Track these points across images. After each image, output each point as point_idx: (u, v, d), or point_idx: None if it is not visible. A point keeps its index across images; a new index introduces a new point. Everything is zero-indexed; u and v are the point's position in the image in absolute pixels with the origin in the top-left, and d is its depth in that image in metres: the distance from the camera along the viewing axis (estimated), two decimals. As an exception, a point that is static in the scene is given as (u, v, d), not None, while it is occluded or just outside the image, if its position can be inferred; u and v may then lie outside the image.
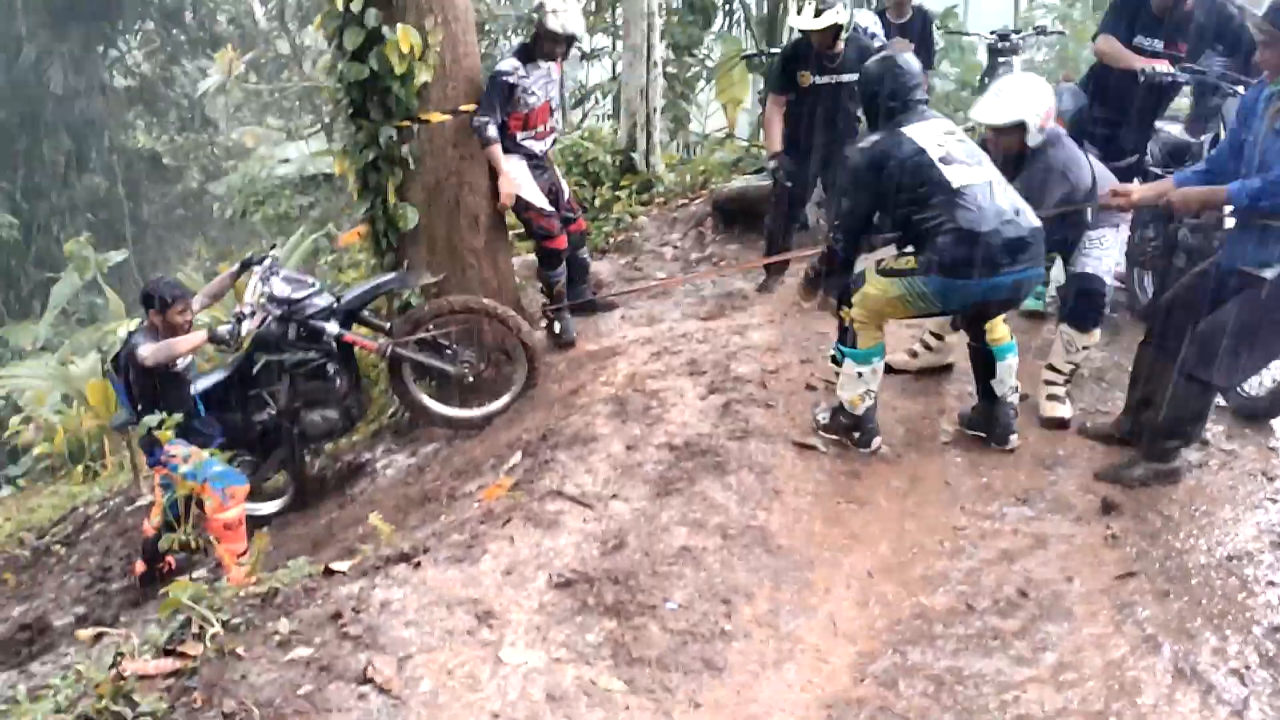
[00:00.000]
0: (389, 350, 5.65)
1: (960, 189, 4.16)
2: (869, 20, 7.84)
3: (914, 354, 5.35)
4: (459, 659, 3.14)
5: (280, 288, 5.47)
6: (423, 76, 5.68)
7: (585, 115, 14.68)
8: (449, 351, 5.78)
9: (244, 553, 5.04)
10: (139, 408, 5.32)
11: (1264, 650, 3.28)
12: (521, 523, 3.96)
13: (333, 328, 5.56)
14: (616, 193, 8.74)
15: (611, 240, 8.25)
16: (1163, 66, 5.28)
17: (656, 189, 8.97)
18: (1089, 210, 4.73)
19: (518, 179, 6.08)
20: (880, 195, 4.36)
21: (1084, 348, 4.88)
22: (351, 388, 5.84)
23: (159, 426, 4.75)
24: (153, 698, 2.97)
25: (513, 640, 3.25)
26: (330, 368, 5.67)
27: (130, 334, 5.39)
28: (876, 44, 7.64)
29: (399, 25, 5.53)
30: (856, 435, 4.57)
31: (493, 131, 5.88)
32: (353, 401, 5.86)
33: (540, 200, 6.16)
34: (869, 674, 3.21)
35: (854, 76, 6.03)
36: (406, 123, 5.77)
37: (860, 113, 6.16)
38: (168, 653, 3.28)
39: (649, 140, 9.02)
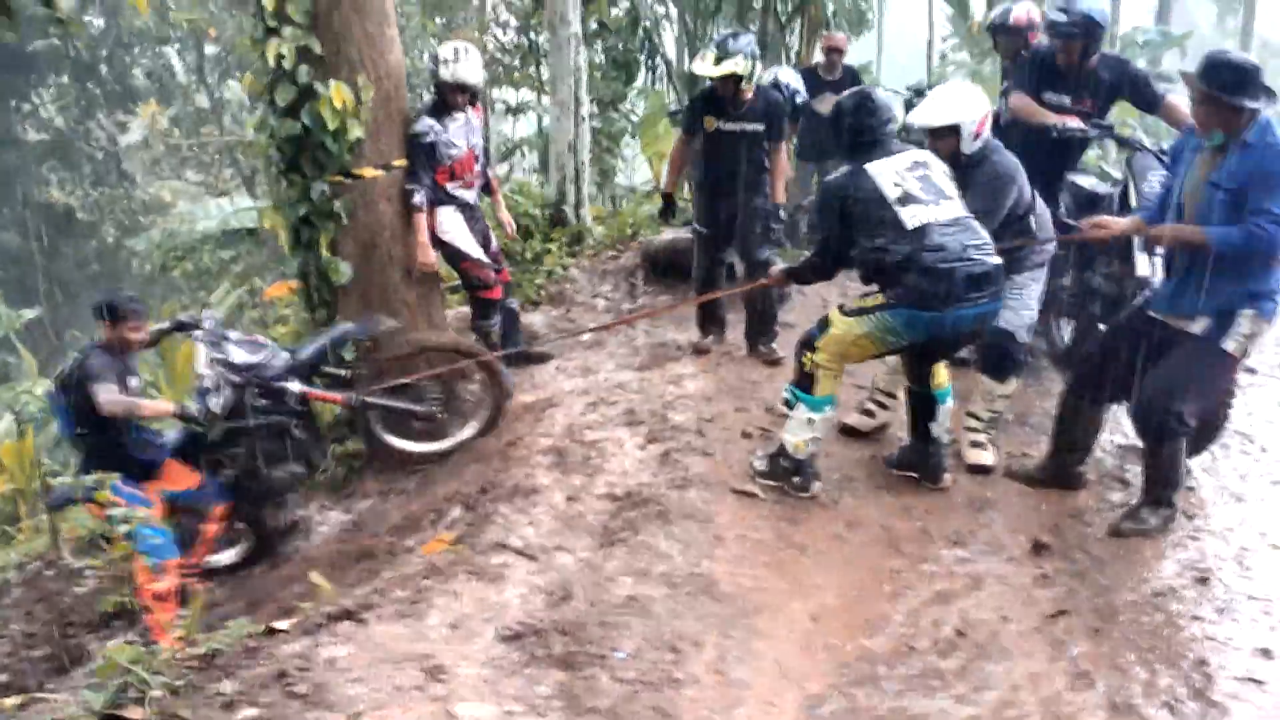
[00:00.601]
0: (358, 400, 5.57)
1: (916, 230, 4.27)
2: (790, 77, 8.08)
3: (869, 413, 5.39)
4: (410, 715, 3.12)
5: (237, 354, 5.26)
6: (355, 132, 5.70)
7: (511, 169, 14.78)
8: (411, 391, 5.72)
9: (173, 619, 4.88)
10: (78, 430, 5.10)
11: (1192, 682, 3.40)
12: (466, 577, 3.96)
13: (295, 387, 5.40)
14: (547, 245, 8.81)
15: (544, 292, 8.30)
16: (1074, 122, 5.53)
17: (587, 241, 9.06)
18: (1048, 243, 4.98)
19: (451, 230, 6.14)
20: (846, 228, 4.48)
21: (1002, 396, 5.05)
22: (313, 438, 5.72)
23: (96, 487, 4.64)
24: (93, 765, 2.91)
25: (464, 694, 3.24)
26: (293, 425, 5.52)
27: (85, 352, 5.07)
28: (799, 100, 7.88)
29: (332, 81, 5.56)
30: (796, 480, 4.65)
31: (418, 199, 5.94)
32: (314, 451, 5.73)
33: (475, 251, 6.21)
34: (817, 717, 3.26)
35: (759, 126, 6.16)
36: (339, 178, 5.78)
37: (766, 162, 6.32)
38: (107, 718, 3.22)
39: (578, 193, 9.13)
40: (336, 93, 5.55)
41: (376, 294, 6.01)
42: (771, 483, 4.71)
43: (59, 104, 21.14)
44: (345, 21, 5.61)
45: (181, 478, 5.33)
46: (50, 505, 5.94)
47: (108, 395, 4.87)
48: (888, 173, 4.39)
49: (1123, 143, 5.66)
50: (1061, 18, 5.56)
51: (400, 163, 5.92)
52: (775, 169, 6.36)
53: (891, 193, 4.34)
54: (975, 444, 5.03)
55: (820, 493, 4.68)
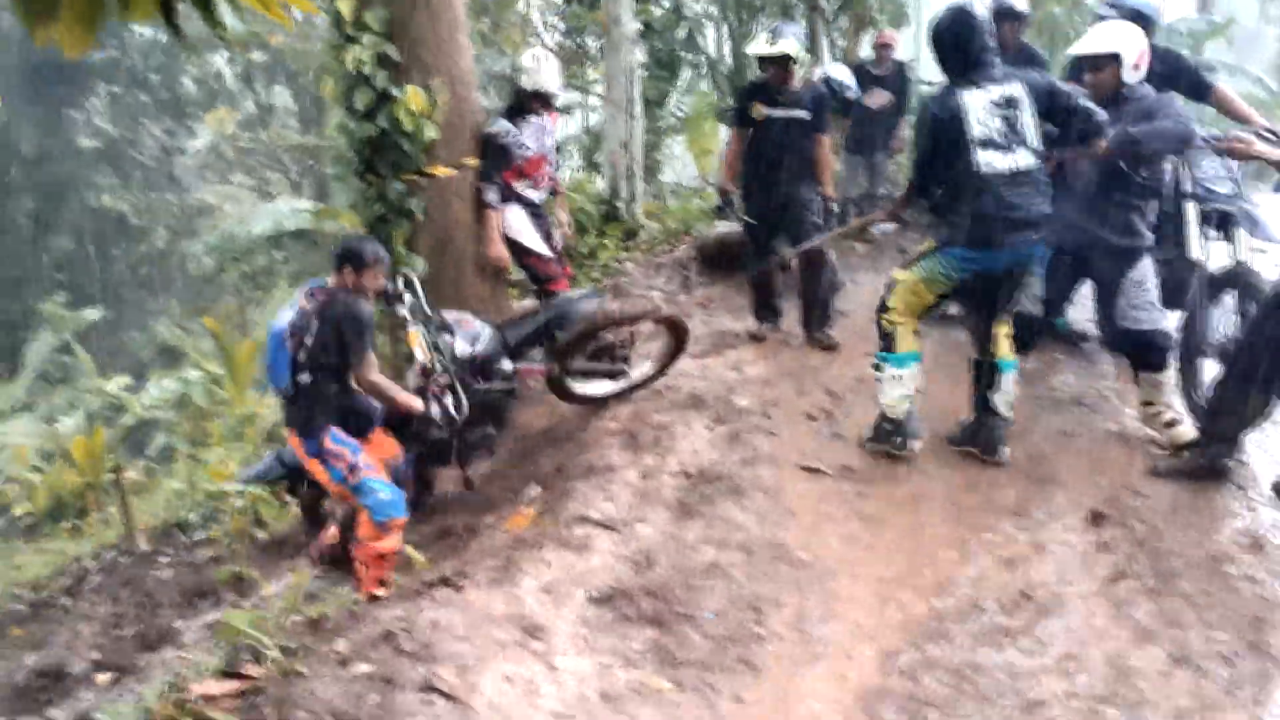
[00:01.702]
0: (557, 372, 5.65)
1: (986, 176, 4.47)
2: (841, 73, 8.29)
3: None
4: (516, 668, 3.37)
5: (462, 348, 5.29)
6: (430, 134, 5.97)
7: (557, 167, 15.03)
8: (603, 351, 5.84)
9: (386, 582, 4.64)
10: (297, 379, 4.73)
11: (1248, 638, 3.59)
12: (554, 546, 4.20)
13: (507, 365, 5.54)
14: (602, 240, 9.06)
15: (600, 285, 8.54)
16: None
17: (640, 236, 9.30)
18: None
19: (518, 227, 6.39)
20: (935, 146, 4.65)
21: (1164, 383, 5.15)
22: (510, 400, 5.79)
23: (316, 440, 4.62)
24: (223, 716, 3.16)
25: (563, 649, 3.48)
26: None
27: (334, 294, 4.66)
28: (849, 94, 8.09)
29: (407, 85, 5.83)
30: (898, 440, 4.95)
31: (491, 197, 6.19)
32: (509, 412, 5.81)
33: (540, 246, 6.45)
34: (894, 668, 3.48)
35: (806, 115, 6.31)
36: (414, 177, 6.04)
37: (813, 153, 6.43)
38: (228, 675, 3.48)
39: (631, 190, 9.37)
40: (413, 96, 5.83)
41: (449, 287, 6.25)
42: (878, 446, 5.04)
43: (111, 112, 21.66)
44: (420, 28, 5.89)
45: (386, 447, 5.08)
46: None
47: (375, 373, 4.66)
48: (976, 107, 4.49)
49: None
50: (1111, 13, 5.70)
51: (472, 161, 6.17)
52: (820, 160, 6.51)
53: (975, 130, 4.47)
54: (1170, 423, 5.06)
55: (917, 453, 4.98)
